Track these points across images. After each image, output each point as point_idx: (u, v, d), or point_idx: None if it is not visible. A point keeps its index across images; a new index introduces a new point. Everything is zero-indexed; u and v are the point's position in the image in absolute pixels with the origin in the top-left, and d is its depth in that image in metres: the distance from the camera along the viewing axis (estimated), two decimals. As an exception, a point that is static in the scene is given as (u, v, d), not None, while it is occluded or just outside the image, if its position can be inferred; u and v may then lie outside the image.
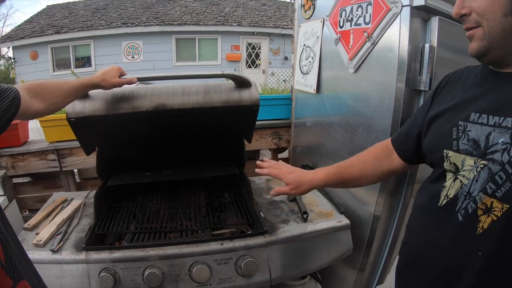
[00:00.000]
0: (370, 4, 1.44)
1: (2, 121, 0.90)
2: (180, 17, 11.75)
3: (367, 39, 1.46)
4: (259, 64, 12.63)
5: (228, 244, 1.34)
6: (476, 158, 0.77)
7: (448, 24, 1.29)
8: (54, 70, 11.12)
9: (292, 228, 1.47)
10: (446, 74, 0.99)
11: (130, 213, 1.59)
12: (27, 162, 2.10)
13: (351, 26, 1.57)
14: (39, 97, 1.10)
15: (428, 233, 0.88)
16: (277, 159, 2.69)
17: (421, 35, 1.34)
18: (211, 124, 1.65)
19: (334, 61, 1.74)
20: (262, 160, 1.24)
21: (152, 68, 11.23)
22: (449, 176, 0.84)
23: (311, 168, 2.05)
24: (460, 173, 0.81)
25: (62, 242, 1.35)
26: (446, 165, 0.84)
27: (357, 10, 1.52)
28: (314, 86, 1.94)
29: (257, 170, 1.22)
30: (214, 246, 1.34)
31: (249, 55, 12.46)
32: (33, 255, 1.29)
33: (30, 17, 12.35)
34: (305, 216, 1.53)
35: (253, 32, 12.05)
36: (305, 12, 2.01)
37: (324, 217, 1.57)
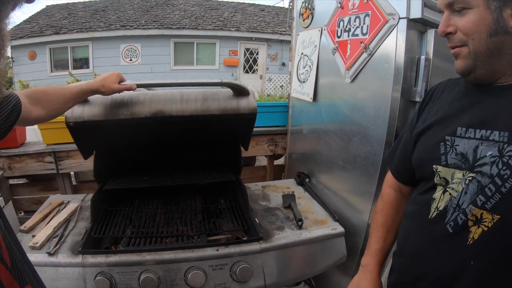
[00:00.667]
0: (367, 15, 1.47)
1: (3, 128, 0.91)
2: (179, 21, 11.78)
3: (364, 50, 1.49)
4: (257, 69, 12.68)
5: (223, 250, 1.36)
6: (465, 171, 0.79)
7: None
8: (52, 71, 11.09)
9: (287, 235, 1.48)
10: (429, 88, 1.00)
11: (126, 218, 1.60)
12: (24, 163, 2.10)
13: (348, 36, 1.60)
14: (40, 103, 1.11)
15: (419, 244, 0.90)
16: (273, 166, 2.71)
17: (417, 47, 1.37)
18: (209, 131, 1.67)
19: (331, 70, 1.76)
20: None
21: (150, 71, 11.22)
22: (439, 188, 0.86)
23: (306, 175, 2.07)
24: (449, 186, 0.82)
25: (58, 245, 1.35)
26: (436, 179, 0.86)
27: (354, 21, 1.55)
28: (311, 95, 1.96)
29: None
30: (209, 251, 1.35)
31: (247, 61, 12.51)
32: (30, 257, 1.26)
33: (29, 16, 12.31)
34: (300, 223, 1.55)
35: (251, 38, 12.11)
36: (304, 20, 2.04)
37: (319, 224, 1.59)
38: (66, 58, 11.17)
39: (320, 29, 1.85)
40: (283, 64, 12.39)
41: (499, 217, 0.73)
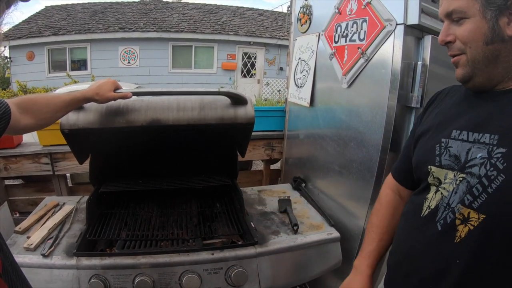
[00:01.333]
0: (365, 21, 1.48)
1: None
2: (177, 24, 11.81)
3: (361, 55, 1.50)
4: (254, 73, 12.70)
5: (218, 254, 1.36)
6: (456, 172, 0.82)
7: None
8: (49, 72, 11.07)
9: (283, 240, 1.49)
10: (435, 93, 1.03)
11: (121, 220, 1.59)
12: (19, 164, 2.10)
13: (346, 42, 1.61)
14: (29, 112, 1.09)
15: (411, 242, 0.93)
16: (270, 170, 2.71)
17: (414, 53, 1.38)
18: (205, 137, 1.67)
19: (328, 75, 1.78)
20: None
21: (148, 74, 11.23)
22: (432, 189, 0.89)
23: (302, 180, 2.08)
24: (441, 186, 0.85)
25: (53, 247, 1.35)
26: (430, 179, 0.89)
27: (352, 27, 1.57)
28: (308, 100, 1.97)
29: None
30: (204, 255, 1.35)
31: (245, 65, 12.53)
32: (24, 258, 1.29)
33: (28, 17, 12.30)
34: (295, 228, 1.55)
35: (250, 42, 12.14)
36: (302, 26, 2.06)
37: (315, 229, 1.59)
38: (64, 59, 11.15)
39: (317, 34, 1.87)
40: (281, 69, 12.42)
41: (484, 216, 0.75)
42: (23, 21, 11.85)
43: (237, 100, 1.49)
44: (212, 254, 1.35)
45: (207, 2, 14.70)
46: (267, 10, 15.27)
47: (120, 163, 1.77)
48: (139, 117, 1.42)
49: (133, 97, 1.36)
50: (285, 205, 1.78)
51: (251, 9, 14.89)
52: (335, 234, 1.56)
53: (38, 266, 1.28)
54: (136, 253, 1.33)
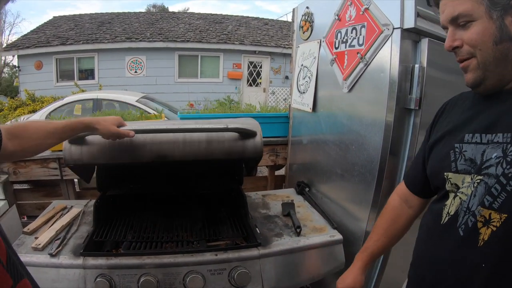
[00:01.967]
0: (363, 26, 1.52)
1: None
2: (183, 34, 11.94)
3: (361, 60, 1.53)
4: (260, 82, 12.75)
5: (222, 255, 1.38)
6: (473, 175, 0.81)
7: (437, 45, 1.36)
8: (57, 81, 11.21)
9: (285, 242, 1.50)
10: (443, 102, 1.03)
11: (128, 223, 1.62)
12: (28, 169, 2.14)
13: (345, 47, 1.65)
14: (18, 138, 1.04)
15: (433, 251, 0.92)
16: (274, 176, 2.73)
17: (412, 56, 1.40)
18: (212, 166, 1.73)
19: (330, 81, 1.81)
20: None
21: (155, 83, 11.33)
22: (451, 195, 0.88)
23: (306, 185, 2.10)
24: (459, 191, 0.85)
25: (60, 247, 1.38)
26: (447, 186, 0.88)
27: (351, 32, 1.60)
28: (311, 105, 2.01)
29: None
30: (208, 256, 1.37)
31: (250, 74, 12.60)
32: (31, 258, 1.32)
33: (37, 27, 12.54)
34: (298, 230, 1.57)
35: (255, 51, 12.21)
36: (303, 33, 2.10)
37: (317, 231, 1.61)
38: (72, 68, 11.30)
39: (319, 41, 1.91)
40: (286, 77, 12.45)
41: (506, 215, 0.74)
42: (32, 31, 12.09)
43: (246, 134, 1.48)
44: (216, 255, 1.37)
45: (212, 12, 14.90)
46: (272, 20, 15.41)
47: (127, 172, 1.81)
48: (144, 153, 1.41)
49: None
50: (288, 208, 1.80)
51: (256, 18, 15.04)
52: (338, 236, 1.57)
53: (45, 265, 1.31)
54: (141, 253, 1.36)
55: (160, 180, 1.87)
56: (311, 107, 2.00)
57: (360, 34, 1.54)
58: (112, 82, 10.86)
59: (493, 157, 0.78)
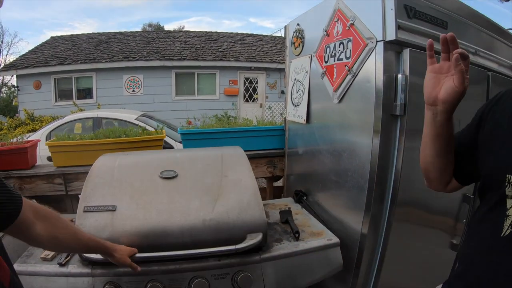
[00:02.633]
0: (350, 40, 1.62)
1: None
2: (179, 52, 12.10)
3: (348, 72, 1.62)
4: (257, 98, 12.87)
5: (225, 260, 1.44)
6: None
7: (418, 54, 1.45)
8: (56, 100, 11.29)
9: (285, 246, 1.57)
10: (498, 92, 0.94)
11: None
12: (34, 184, 2.20)
13: (334, 61, 1.75)
14: (45, 221, 0.97)
15: (489, 267, 0.82)
16: (273, 188, 2.79)
17: (395, 66, 1.49)
18: None
19: (321, 93, 1.90)
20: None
21: (152, 101, 11.42)
22: (510, 203, 0.78)
23: (304, 193, 2.17)
24: None
25: (69, 257, 1.44)
26: (508, 190, 0.78)
27: (339, 47, 1.70)
28: (304, 117, 2.09)
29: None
30: (212, 262, 1.43)
31: (247, 90, 12.73)
32: (41, 268, 1.38)
33: (35, 47, 12.71)
34: (297, 235, 1.64)
35: (250, 67, 12.36)
36: (295, 49, 2.21)
37: (315, 236, 1.67)
38: (70, 88, 11.39)
39: (310, 56, 2.01)
40: (282, 92, 12.56)
41: None
42: (30, 51, 12.25)
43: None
44: (219, 260, 1.44)
45: (207, 30, 15.13)
46: (267, 35, 15.68)
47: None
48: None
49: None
50: (286, 215, 1.86)
51: (251, 35, 15.31)
52: (335, 239, 1.64)
53: (54, 275, 1.36)
54: (147, 260, 1.42)
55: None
56: (305, 119, 2.09)
57: (347, 48, 1.63)
58: (110, 101, 10.95)
59: None
